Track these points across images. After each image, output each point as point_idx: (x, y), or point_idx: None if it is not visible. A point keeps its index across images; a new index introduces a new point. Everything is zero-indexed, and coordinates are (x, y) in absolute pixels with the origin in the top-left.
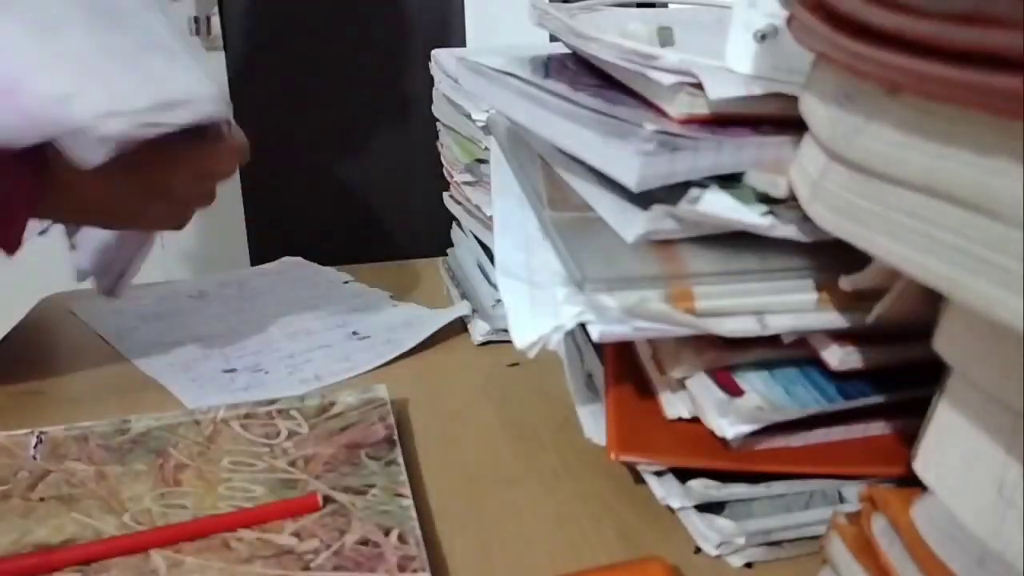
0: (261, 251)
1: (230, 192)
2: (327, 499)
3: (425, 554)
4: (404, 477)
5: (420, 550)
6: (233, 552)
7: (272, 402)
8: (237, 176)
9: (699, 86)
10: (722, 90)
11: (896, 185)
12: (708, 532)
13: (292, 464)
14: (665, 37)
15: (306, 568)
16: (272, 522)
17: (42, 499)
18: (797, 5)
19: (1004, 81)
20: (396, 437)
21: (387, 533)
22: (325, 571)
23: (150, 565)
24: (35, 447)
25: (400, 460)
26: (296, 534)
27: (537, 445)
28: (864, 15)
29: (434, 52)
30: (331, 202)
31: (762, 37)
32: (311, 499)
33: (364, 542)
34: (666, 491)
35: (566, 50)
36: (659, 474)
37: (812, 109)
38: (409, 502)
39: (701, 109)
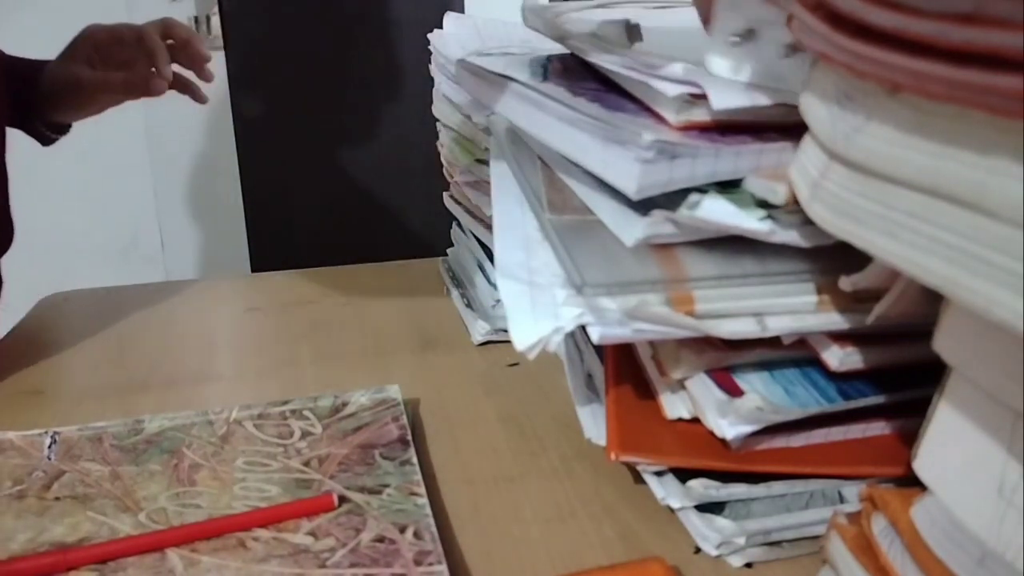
0: (261, 250)
1: (230, 191)
2: (342, 499)
3: (441, 548)
4: (419, 476)
5: (436, 544)
6: (249, 551)
7: (285, 402)
8: (238, 175)
9: (699, 94)
10: (727, 101)
11: (896, 185)
12: (708, 532)
13: (306, 464)
14: (633, 34)
15: (322, 566)
16: (287, 522)
17: (57, 498)
18: (797, 5)
19: (1004, 81)
20: (410, 437)
21: (403, 530)
22: (342, 568)
23: (167, 564)
24: (50, 447)
25: (415, 460)
26: (312, 533)
27: (537, 445)
28: (864, 15)
29: (431, 35)
30: (331, 202)
31: (739, 40)
32: (327, 499)
33: (380, 539)
34: (666, 491)
35: (565, 50)
36: (659, 474)
37: (812, 109)
38: (424, 500)
39: (700, 116)
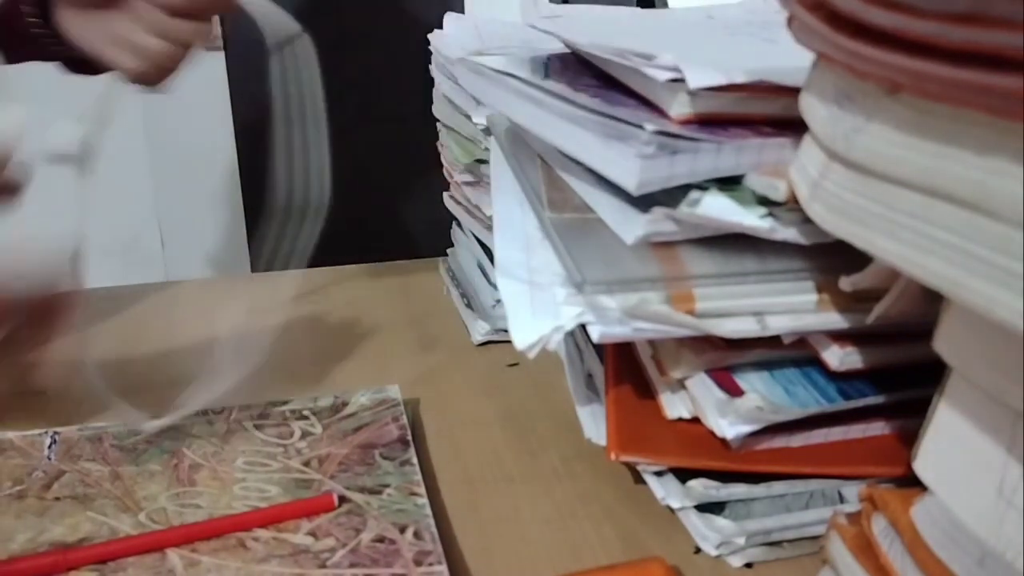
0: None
1: (230, 191)
2: (342, 499)
3: (441, 548)
4: (419, 477)
5: (436, 544)
6: (249, 551)
7: (285, 402)
8: (238, 175)
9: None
10: (703, 79)
11: (896, 185)
12: (708, 532)
13: (306, 464)
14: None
15: (322, 566)
16: (288, 522)
17: (57, 498)
18: (797, 5)
19: (1004, 81)
20: (410, 438)
21: (403, 530)
22: (342, 568)
23: (167, 564)
24: (50, 447)
25: (415, 460)
26: (312, 533)
27: (537, 445)
28: (864, 15)
29: (431, 35)
30: (331, 202)
31: None
32: (327, 498)
33: (380, 539)
34: (666, 491)
35: (565, 49)
36: (659, 474)
37: (812, 109)
38: (424, 500)
39: (700, 109)
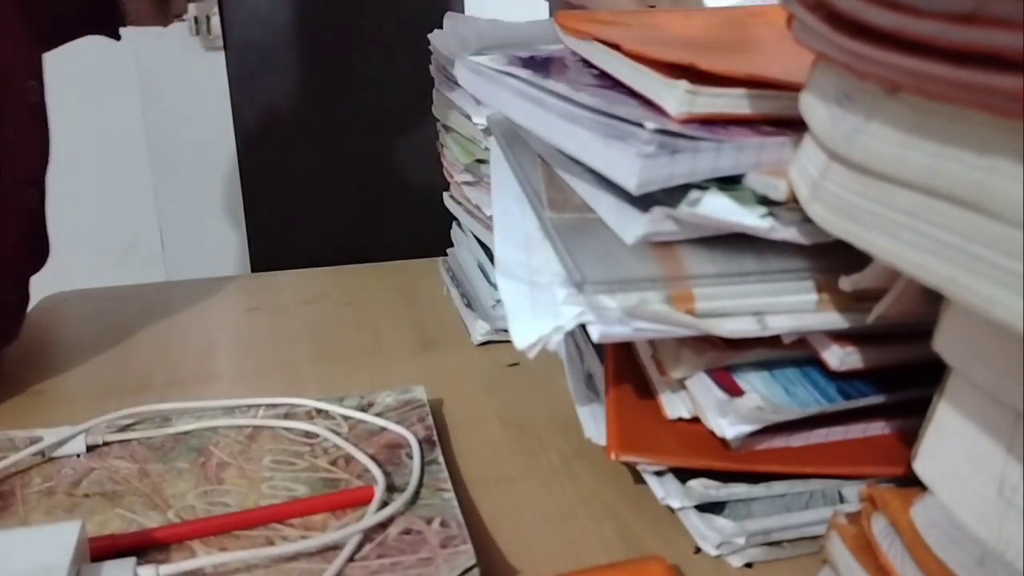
0: (261, 250)
1: (230, 191)
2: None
3: (467, 532)
4: (445, 474)
5: (462, 529)
6: (276, 548)
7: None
8: (238, 175)
9: (697, 84)
10: None
11: (896, 185)
12: (708, 532)
13: (333, 463)
14: None
15: (350, 559)
16: (315, 519)
17: (87, 495)
18: (797, 5)
19: (1004, 81)
20: (436, 437)
21: (429, 522)
22: (369, 560)
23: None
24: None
25: (441, 459)
26: (339, 529)
27: (537, 445)
28: (864, 15)
29: (431, 35)
30: (331, 202)
31: None
32: (368, 490)
33: (407, 532)
34: (666, 491)
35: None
36: (659, 474)
37: (812, 109)
38: (451, 495)
39: (700, 108)
